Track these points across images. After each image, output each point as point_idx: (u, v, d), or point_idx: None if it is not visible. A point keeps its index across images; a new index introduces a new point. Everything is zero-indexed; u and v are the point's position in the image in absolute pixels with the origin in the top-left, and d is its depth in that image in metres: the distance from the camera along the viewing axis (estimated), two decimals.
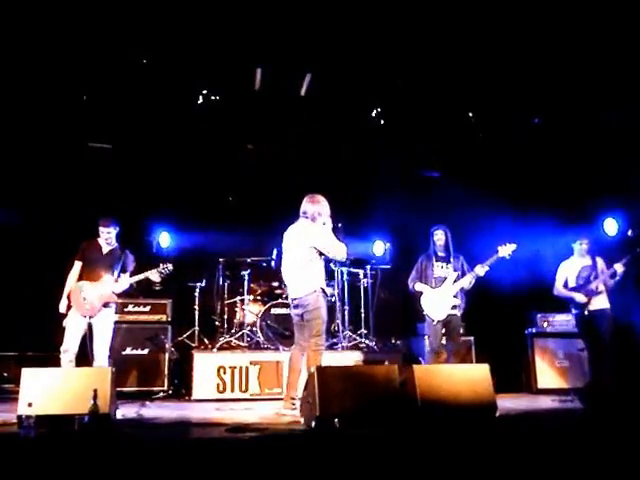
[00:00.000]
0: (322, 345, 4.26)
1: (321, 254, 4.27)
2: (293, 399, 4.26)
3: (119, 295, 4.72)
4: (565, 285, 5.30)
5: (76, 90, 5.80)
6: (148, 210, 6.75)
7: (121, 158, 6.64)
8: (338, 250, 4.26)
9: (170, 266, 4.81)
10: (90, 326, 4.52)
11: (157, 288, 6.27)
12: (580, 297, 5.08)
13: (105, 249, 4.70)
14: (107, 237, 4.68)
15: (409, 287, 5.15)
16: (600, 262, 5.19)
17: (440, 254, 5.07)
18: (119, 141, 6.60)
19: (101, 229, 4.68)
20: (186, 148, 6.63)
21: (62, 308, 4.55)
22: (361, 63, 5.64)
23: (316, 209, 4.29)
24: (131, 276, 4.74)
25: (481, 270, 4.87)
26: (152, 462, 2.87)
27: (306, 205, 4.34)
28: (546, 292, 6.32)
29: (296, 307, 4.33)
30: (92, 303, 4.49)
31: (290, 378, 4.36)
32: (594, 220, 5.40)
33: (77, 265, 4.64)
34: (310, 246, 4.24)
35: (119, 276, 4.65)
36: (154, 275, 4.75)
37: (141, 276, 4.73)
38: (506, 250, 4.84)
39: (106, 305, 4.58)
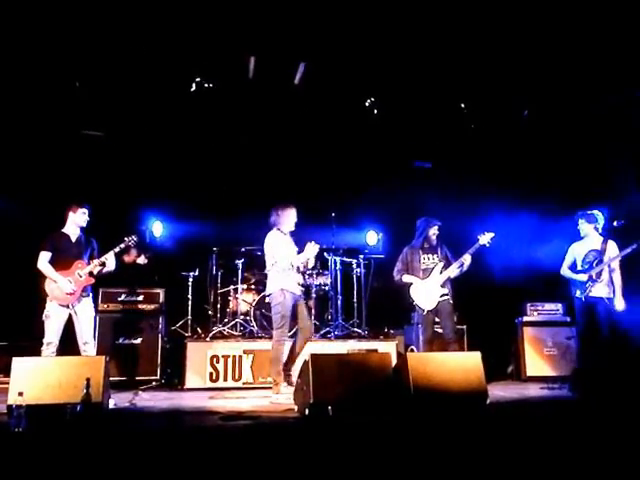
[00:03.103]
0: (284, 337, 4.74)
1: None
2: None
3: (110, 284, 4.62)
4: (572, 267, 5.20)
5: (68, 77, 5.69)
6: (141, 199, 6.66)
7: (113, 146, 6.55)
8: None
9: (135, 237, 4.78)
10: (71, 318, 4.49)
11: (155, 279, 6.23)
12: (582, 277, 5.02)
13: (73, 237, 4.65)
14: (85, 219, 4.63)
15: (395, 278, 5.22)
16: (610, 246, 5.04)
17: (426, 246, 5.17)
18: (111, 129, 6.49)
19: (80, 210, 4.62)
20: (179, 136, 6.55)
21: (69, 287, 4.44)
22: (355, 53, 5.60)
23: (273, 219, 4.88)
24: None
25: (467, 259, 4.98)
26: (145, 451, 2.88)
27: (270, 215, 4.92)
28: (536, 282, 6.42)
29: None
30: (71, 290, 4.47)
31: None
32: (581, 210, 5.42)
33: (48, 255, 4.53)
34: (268, 253, 4.87)
35: (88, 262, 4.61)
36: (128, 254, 4.63)
37: (110, 253, 4.63)
38: (485, 238, 4.94)
39: (84, 291, 4.56)
